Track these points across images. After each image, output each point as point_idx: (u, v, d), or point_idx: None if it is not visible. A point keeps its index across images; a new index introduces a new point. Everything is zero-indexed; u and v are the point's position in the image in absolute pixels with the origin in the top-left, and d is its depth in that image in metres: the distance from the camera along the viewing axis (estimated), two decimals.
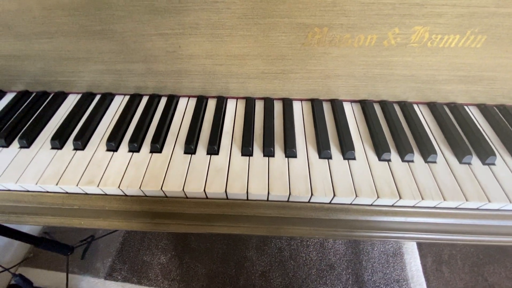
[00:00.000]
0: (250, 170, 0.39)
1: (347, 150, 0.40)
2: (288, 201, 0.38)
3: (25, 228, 0.87)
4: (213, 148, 0.40)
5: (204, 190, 0.37)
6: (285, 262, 1.11)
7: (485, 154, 0.40)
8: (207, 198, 0.39)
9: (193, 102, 0.48)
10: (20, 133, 0.43)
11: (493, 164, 0.40)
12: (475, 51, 0.39)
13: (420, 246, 1.17)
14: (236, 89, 0.46)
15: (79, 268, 1.09)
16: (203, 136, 0.43)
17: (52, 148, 0.42)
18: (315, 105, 0.46)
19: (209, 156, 0.40)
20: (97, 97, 0.49)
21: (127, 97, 0.49)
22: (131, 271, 1.08)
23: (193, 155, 0.40)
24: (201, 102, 0.47)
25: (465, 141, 0.42)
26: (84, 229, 1.19)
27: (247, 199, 0.38)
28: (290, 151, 0.40)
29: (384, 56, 0.40)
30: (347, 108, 0.47)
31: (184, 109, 0.47)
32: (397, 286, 0.96)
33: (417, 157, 0.40)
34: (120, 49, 0.41)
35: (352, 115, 0.46)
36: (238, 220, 0.41)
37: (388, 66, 0.41)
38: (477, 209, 0.38)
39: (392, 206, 0.38)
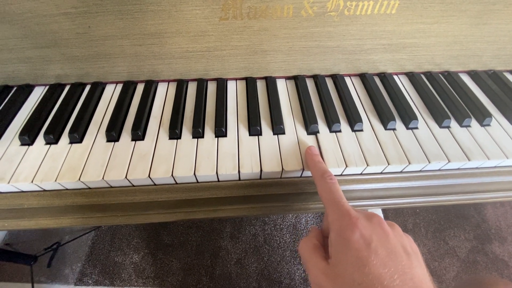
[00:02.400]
0: (177, 152, 0.37)
1: (276, 124, 0.40)
2: (218, 180, 0.38)
3: None
4: (137, 134, 0.38)
5: (126, 177, 0.35)
6: (260, 247, 1.13)
7: (409, 119, 0.41)
8: (133, 186, 0.37)
9: (120, 88, 0.45)
10: None
11: (416, 128, 0.41)
12: (391, 18, 0.39)
13: (387, 218, 1.22)
14: (165, 71, 0.44)
15: (46, 277, 1.04)
16: (129, 123, 0.41)
17: None
18: (249, 83, 0.46)
19: (133, 142, 0.39)
20: (13, 90, 0.45)
21: (47, 88, 0.45)
22: (102, 273, 1.05)
23: (116, 143, 0.38)
24: (128, 88, 0.45)
25: (390, 108, 0.43)
26: (49, 236, 1.14)
27: (176, 183, 0.37)
28: (219, 130, 0.39)
29: (305, 27, 0.40)
30: (281, 84, 0.47)
31: (110, 96, 0.44)
32: None
33: (344, 126, 0.41)
34: (23, 33, 0.38)
35: (286, 91, 0.46)
36: (172, 206, 0.40)
37: (312, 38, 0.41)
38: (401, 171, 0.39)
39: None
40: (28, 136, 0.38)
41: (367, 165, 0.37)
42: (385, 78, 0.47)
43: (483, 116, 0.42)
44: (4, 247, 1.13)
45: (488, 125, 0.42)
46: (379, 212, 1.22)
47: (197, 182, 0.38)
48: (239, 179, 0.38)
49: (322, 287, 0.24)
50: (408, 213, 1.24)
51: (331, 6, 0.37)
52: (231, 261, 1.09)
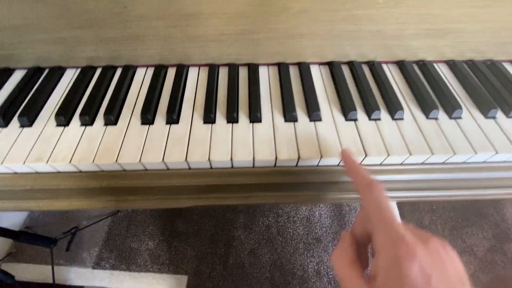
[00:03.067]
0: (213, 137, 0.37)
1: (312, 111, 0.38)
2: (253, 166, 0.37)
3: (5, 223, 0.83)
4: (172, 117, 0.38)
5: (163, 160, 0.35)
6: (273, 238, 1.13)
7: (452, 108, 0.39)
8: (167, 169, 0.37)
9: (151, 72, 0.45)
10: None
11: (460, 117, 0.39)
12: (440, 0, 0.37)
13: (402, 214, 1.21)
14: (197, 55, 0.43)
15: (65, 260, 1.07)
16: (162, 106, 0.40)
17: None
18: (282, 69, 0.44)
19: (168, 125, 0.38)
20: (46, 72, 0.45)
21: (79, 70, 0.45)
22: (119, 258, 1.08)
23: (151, 126, 0.38)
24: (160, 71, 0.44)
25: (432, 97, 0.41)
26: (68, 221, 1.17)
27: (211, 167, 0.37)
28: (254, 116, 0.38)
29: (347, 9, 0.38)
30: (315, 70, 0.45)
31: (142, 79, 0.44)
32: None
33: (384, 115, 0.39)
34: (60, 12, 0.37)
35: (320, 77, 0.44)
36: (206, 191, 0.40)
37: (352, 21, 0.39)
38: (443, 163, 0.37)
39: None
40: (64, 117, 0.38)
41: (410, 154, 0.35)
42: (425, 65, 0.45)
43: None
44: (25, 229, 1.16)
45: None
46: (394, 206, 1.21)
47: (232, 167, 0.37)
48: (275, 166, 0.37)
49: None
50: (424, 209, 1.22)
51: None
52: (244, 251, 1.10)
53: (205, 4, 0.37)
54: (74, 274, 1.04)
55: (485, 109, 0.39)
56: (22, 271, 1.03)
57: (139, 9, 0.37)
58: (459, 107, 0.39)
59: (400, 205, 1.23)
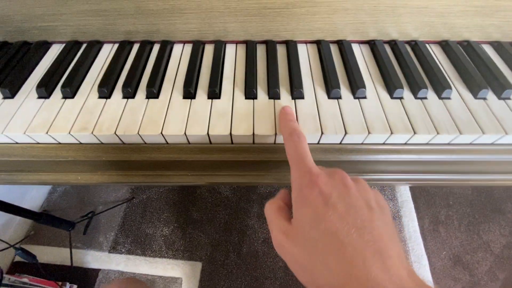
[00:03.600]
0: (256, 112, 0.36)
1: (357, 88, 0.37)
2: None
3: (25, 205, 0.85)
4: (214, 91, 0.37)
5: (208, 133, 0.34)
6: None
7: (501, 88, 0.38)
8: (210, 143, 0.36)
9: (189, 48, 0.44)
10: (2, 83, 0.39)
11: (509, 98, 0.38)
12: None
13: (418, 208, 1.19)
14: (236, 30, 0.43)
15: (82, 243, 1.09)
16: (202, 81, 0.40)
17: (39, 97, 0.38)
18: (322, 45, 0.43)
19: (210, 100, 0.38)
20: (84, 46, 0.44)
21: (116, 45, 0.45)
22: (134, 243, 1.09)
23: (193, 100, 0.38)
24: (198, 47, 0.43)
25: (480, 76, 0.39)
26: (84, 205, 1.18)
27: (253, 143, 0.36)
28: (297, 92, 0.37)
29: None
30: (355, 49, 0.44)
31: (180, 55, 0.43)
32: None
33: (430, 94, 0.38)
34: None
35: (361, 55, 0.43)
36: (244, 168, 0.40)
37: None
38: (493, 143, 0.36)
39: (406, 144, 0.36)
40: (106, 88, 0.38)
41: (460, 133, 0.34)
42: (470, 46, 0.43)
43: None
44: (43, 212, 1.18)
45: None
46: (410, 203, 1.19)
47: (275, 143, 0.36)
48: (318, 143, 0.36)
49: (282, 247, 0.24)
50: (440, 204, 1.20)
51: None
52: (258, 240, 1.10)
53: None
54: (91, 257, 1.06)
55: None
56: (41, 253, 1.05)
57: None
58: (510, 86, 0.38)
59: (415, 198, 1.22)
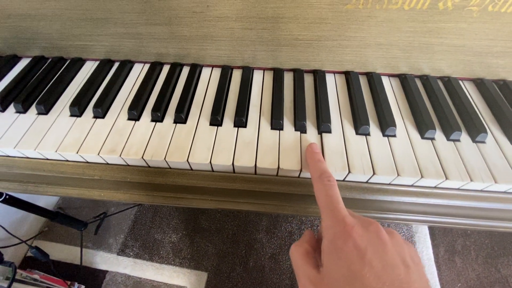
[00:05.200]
0: (281, 145, 0.36)
1: (387, 126, 0.37)
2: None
3: (40, 203, 0.87)
4: (241, 120, 0.37)
5: (233, 163, 0.34)
6: None
7: None
8: (234, 172, 0.36)
9: (217, 72, 0.45)
10: (38, 99, 0.41)
11: None
12: None
13: (433, 235, 1.15)
14: (265, 58, 0.43)
15: (93, 243, 1.11)
16: (229, 108, 0.40)
17: (71, 115, 0.40)
18: (351, 77, 0.43)
19: (236, 128, 0.38)
20: (116, 65, 0.46)
21: (147, 65, 0.46)
22: (142, 248, 1.10)
23: (219, 127, 0.38)
24: (227, 72, 0.44)
25: None
26: (97, 206, 1.21)
27: (277, 175, 0.36)
28: (325, 126, 0.37)
29: (435, 21, 0.36)
30: (385, 82, 0.43)
31: (208, 79, 0.44)
32: None
33: (464, 136, 0.37)
34: (143, 8, 0.38)
35: (391, 89, 0.42)
36: (265, 197, 0.39)
37: (438, 34, 0.37)
38: None
39: (435, 187, 0.35)
40: (135, 111, 0.38)
41: (495, 182, 0.33)
42: (506, 85, 0.42)
43: None
44: (57, 210, 1.21)
45: None
46: (425, 229, 1.15)
47: (298, 177, 0.36)
48: (343, 180, 0.36)
49: None
50: (457, 233, 1.15)
51: None
52: (265, 255, 1.09)
53: (287, 8, 0.36)
54: (100, 258, 1.07)
55: None
56: (52, 250, 1.07)
57: (220, 9, 0.37)
58: None
59: (432, 228, 1.17)
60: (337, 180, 0.35)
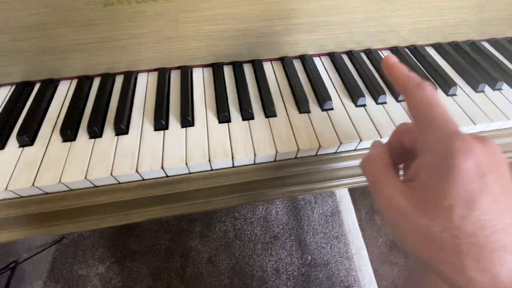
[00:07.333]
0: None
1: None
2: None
3: None
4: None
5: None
6: (231, 243, 1.10)
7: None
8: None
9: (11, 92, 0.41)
10: None
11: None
12: None
13: (354, 200, 1.27)
14: (63, 67, 0.40)
15: None
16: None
17: None
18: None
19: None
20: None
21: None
22: None
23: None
24: (22, 91, 0.41)
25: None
26: (4, 256, 1.04)
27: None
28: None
29: (204, 10, 0.38)
30: (196, 74, 0.45)
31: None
32: (337, 241, 1.04)
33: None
34: None
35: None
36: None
37: (218, 21, 0.40)
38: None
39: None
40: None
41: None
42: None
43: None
44: None
45: None
46: (347, 197, 1.28)
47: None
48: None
49: (401, 213, 0.21)
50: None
51: None
52: (202, 261, 1.08)
53: (45, 13, 0.34)
54: None
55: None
56: None
57: None
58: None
59: (352, 191, 1.28)
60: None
